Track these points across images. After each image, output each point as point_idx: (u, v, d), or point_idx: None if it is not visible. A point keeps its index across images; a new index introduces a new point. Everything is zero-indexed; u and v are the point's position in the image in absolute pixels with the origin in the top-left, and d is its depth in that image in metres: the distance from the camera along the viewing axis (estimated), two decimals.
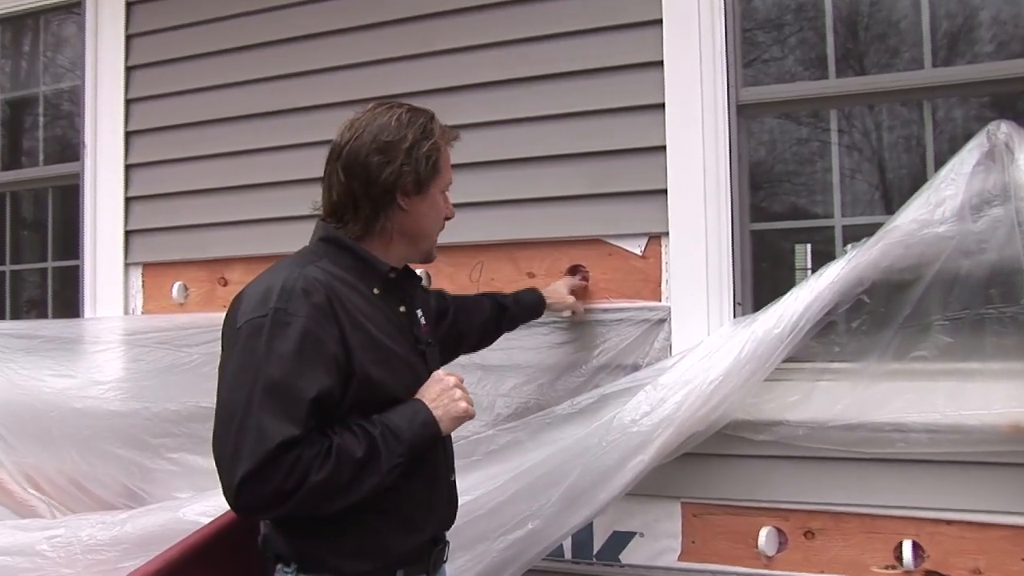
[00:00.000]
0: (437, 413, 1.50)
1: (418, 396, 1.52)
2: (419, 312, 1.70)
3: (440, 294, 2.02)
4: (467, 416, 1.53)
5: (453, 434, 1.64)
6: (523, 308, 2.21)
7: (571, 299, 2.33)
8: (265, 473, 1.32)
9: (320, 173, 2.67)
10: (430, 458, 1.56)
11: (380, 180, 1.53)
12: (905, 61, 2.26)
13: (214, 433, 1.39)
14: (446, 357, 1.94)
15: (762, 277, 2.35)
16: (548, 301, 2.26)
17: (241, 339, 1.41)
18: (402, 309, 1.62)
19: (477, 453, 2.18)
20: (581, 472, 2.05)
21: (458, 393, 1.52)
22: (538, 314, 2.26)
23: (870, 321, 2.04)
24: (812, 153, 2.38)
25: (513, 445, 2.19)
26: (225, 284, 2.94)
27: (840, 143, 2.33)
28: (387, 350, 1.52)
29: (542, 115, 2.47)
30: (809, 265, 2.44)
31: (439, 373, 1.57)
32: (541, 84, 2.48)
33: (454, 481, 1.68)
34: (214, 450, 1.39)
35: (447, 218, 1.66)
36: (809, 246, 2.51)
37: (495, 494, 2.07)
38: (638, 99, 2.36)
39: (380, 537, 1.49)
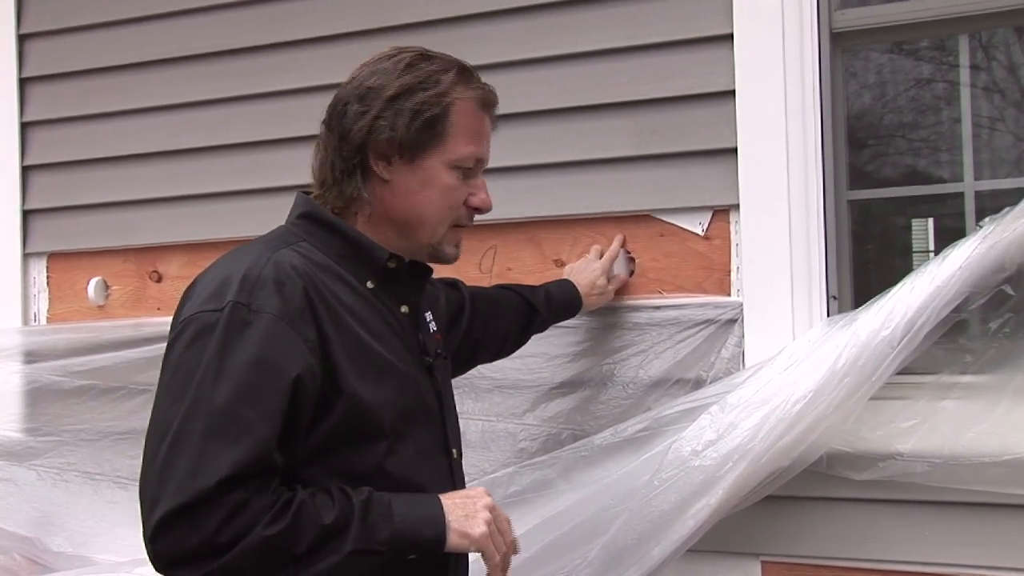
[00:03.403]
0: (449, 518, 1.47)
1: (440, 496, 1.52)
2: (428, 316, 1.70)
3: (452, 286, 2.01)
4: (478, 541, 1.48)
5: (464, 472, 1.65)
6: (554, 312, 2.21)
7: (612, 287, 2.34)
8: (195, 516, 1.31)
9: (292, 132, 2.67)
10: None
11: (350, 134, 1.55)
12: None
13: (142, 460, 1.39)
14: (457, 370, 1.93)
15: (866, 263, 2.34)
16: (587, 303, 2.27)
17: (185, 338, 1.41)
18: (404, 310, 1.62)
19: (495, 496, 2.13)
20: (627, 520, 2.05)
21: (485, 513, 1.50)
22: (572, 315, 2.27)
23: (1015, 321, 2.02)
24: (937, 98, 2.34)
25: (540, 486, 2.19)
26: (159, 279, 2.94)
27: (974, 83, 2.28)
28: (382, 361, 1.52)
29: (570, 53, 2.46)
30: (932, 247, 2.41)
31: (478, 488, 1.57)
32: (567, 11, 2.47)
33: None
34: (139, 482, 1.38)
35: (475, 209, 1.64)
36: (932, 221, 2.47)
37: None
38: (697, 28, 2.35)
39: None
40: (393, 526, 1.41)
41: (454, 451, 1.69)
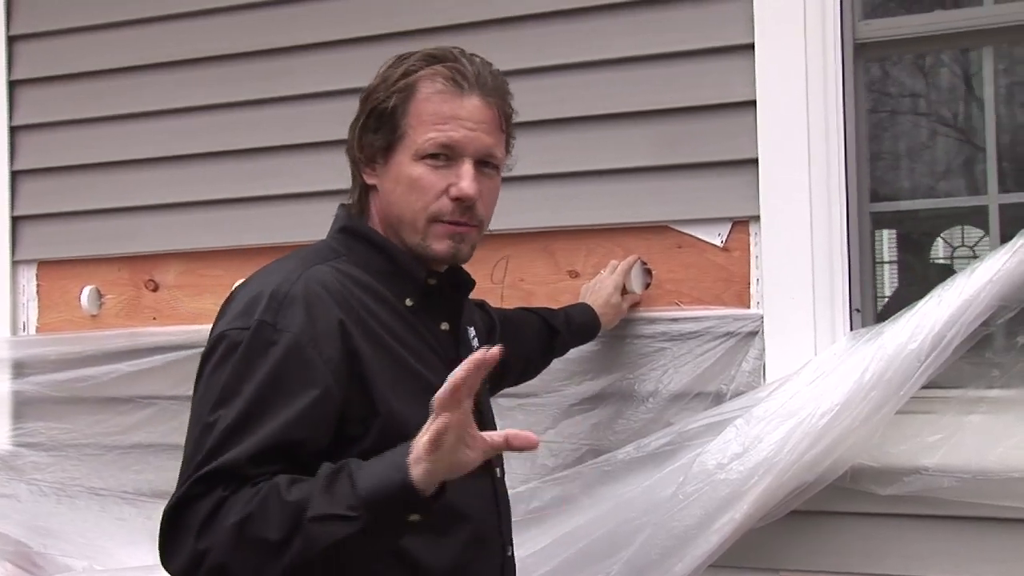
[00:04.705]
0: (416, 461, 1.24)
1: None
2: (471, 331, 1.68)
3: (481, 307, 2.00)
4: (429, 454, 1.22)
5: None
6: (574, 334, 2.20)
7: (626, 305, 2.33)
8: (181, 519, 1.31)
9: (298, 138, 2.63)
10: (478, 522, 1.53)
11: (347, 145, 1.59)
12: None
13: None
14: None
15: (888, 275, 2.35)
16: (603, 321, 2.26)
17: (215, 358, 1.41)
18: (444, 327, 1.60)
19: (516, 512, 2.14)
20: (650, 534, 2.05)
21: (437, 422, 1.21)
22: (591, 338, 2.27)
23: None
24: (955, 109, 2.35)
25: (562, 501, 2.19)
26: (155, 288, 2.90)
27: (998, 95, 2.29)
28: (420, 380, 1.49)
29: (588, 60, 2.46)
30: (890, 258, 2.42)
31: None
32: (586, 19, 2.47)
33: (512, 556, 1.65)
34: None
35: (456, 199, 1.50)
36: (888, 231, 2.46)
37: (536, 563, 2.08)
38: (718, 37, 2.35)
39: None
40: (358, 485, 1.24)
41: (497, 470, 1.66)
